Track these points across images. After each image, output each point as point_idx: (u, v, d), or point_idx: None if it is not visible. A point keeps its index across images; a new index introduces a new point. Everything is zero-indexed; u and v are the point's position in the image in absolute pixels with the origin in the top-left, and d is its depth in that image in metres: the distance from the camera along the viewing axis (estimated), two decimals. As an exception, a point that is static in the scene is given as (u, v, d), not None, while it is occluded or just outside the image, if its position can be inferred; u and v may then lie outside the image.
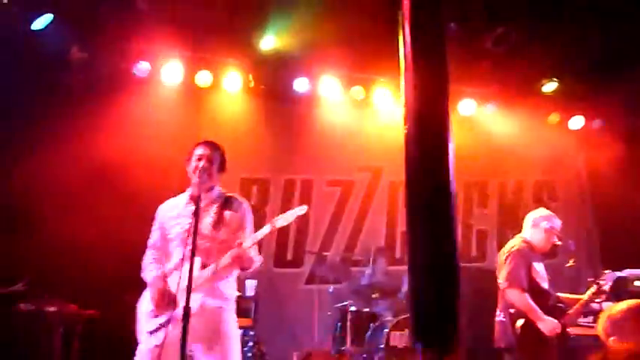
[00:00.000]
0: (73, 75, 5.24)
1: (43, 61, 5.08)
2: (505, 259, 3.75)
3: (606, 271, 3.67)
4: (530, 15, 5.42)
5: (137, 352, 2.92)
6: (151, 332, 2.90)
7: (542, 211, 3.94)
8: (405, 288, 5.48)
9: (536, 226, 3.84)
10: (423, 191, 1.70)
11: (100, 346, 4.93)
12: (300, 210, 2.96)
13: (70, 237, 5.14)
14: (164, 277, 2.99)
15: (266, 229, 2.91)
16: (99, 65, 5.40)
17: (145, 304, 3.02)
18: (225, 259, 2.86)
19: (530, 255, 3.71)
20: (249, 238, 2.92)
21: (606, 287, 3.54)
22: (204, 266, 2.88)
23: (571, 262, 3.68)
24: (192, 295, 2.78)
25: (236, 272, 3.04)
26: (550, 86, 6.55)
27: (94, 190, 5.35)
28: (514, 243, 3.85)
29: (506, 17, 5.65)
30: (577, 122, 7.08)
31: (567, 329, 3.56)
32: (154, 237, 3.17)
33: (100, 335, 4.92)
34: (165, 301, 2.88)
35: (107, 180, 5.38)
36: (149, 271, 3.08)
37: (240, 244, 2.84)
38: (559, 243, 3.76)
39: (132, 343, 3.13)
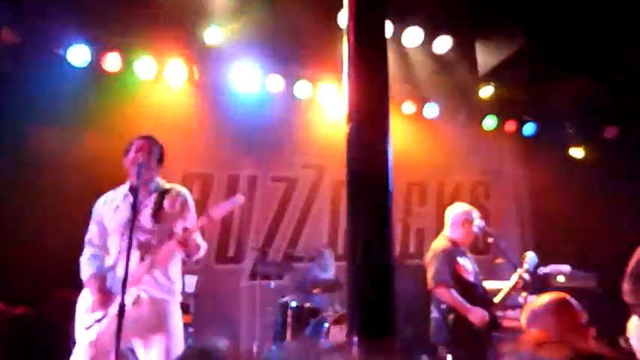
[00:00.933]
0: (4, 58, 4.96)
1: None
2: (429, 260, 3.92)
3: (526, 253, 3.88)
4: (470, 21, 5.67)
5: (74, 350, 2.82)
6: (87, 328, 2.82)
7: (459, 207, 4.12)
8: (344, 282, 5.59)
9: (456, 222, 4.03)
10: (363, 190, 1.75)
11: (30, 345, 4.71)
12: (237, 199, 2.96)
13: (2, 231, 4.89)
14: (101, 275, 2.91)
15: (201, 221, 2.90)
16: (30, 50, 5.14)
17: (83, 301, 2.94)
18: (171, 244, 2.81)
19: (453, 251, 3.89)
20: (194, 223, 2.89)
21: (527, 266, 3.75)
22: (142, 259, 2.83)
23: (501, 260, 3.88)
24: (133, 289, 2.73)
25: (178, 264, 2.99)
26: (486, 91, 6.86)
27: (25, 181, 5.11)
28: (437, 242, 4.03)
29: (446, 23, 5.89)
30: (512, 126, 7.45)
31: (496, 317, 3.76)
32: (92, 232, 3.09)
33: (31, 334, 4.69)
34: (106, 298, 2.81)
35: (39, 170, 5.15)
36: (85, 269, 3.00)
37: (186, 228, 2.80)
38: (490, 240, 3.96)
39: (66, 342, 3.03)
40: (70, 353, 2.94)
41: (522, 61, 6.21)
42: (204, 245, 3.03)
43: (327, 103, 6.67)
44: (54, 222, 5.02)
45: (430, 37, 5.97)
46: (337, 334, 4.99)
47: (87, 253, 3.05)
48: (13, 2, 4.92)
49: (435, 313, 3.80)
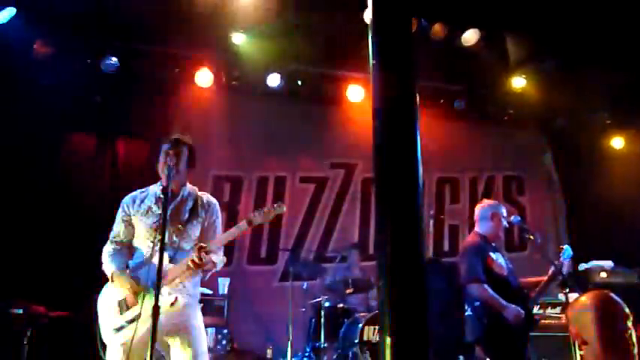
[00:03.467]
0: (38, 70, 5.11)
1: (6, 56, 4.93)
2: (461, 256, 3.84)
3: (563, 246, 3.77)
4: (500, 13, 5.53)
5: (107, 353, 2.86)
6: (118, 329, 2.85)
7: (486, 202, 4.05)
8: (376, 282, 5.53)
9: (484, 217, 3.95)
10: (391, 187, 1.70)
11: (70, 347, 4.83)
12: (279, 208, 2.92)
13: (37, 237, 5.04)
14: (127, 273, 2.92)
15: (242, 226, 2.88)
16: (63, 60, 5.28)
17: (107, 299, 2.95)
18: (183, 266, 2.81)
19: (484, 247, 3.81)
20: (213, 242, 2.88)
21: (562, 259, 3.64)
22: (171, 261, 2.85)
23: (538, 256, 3.76)
24: (169, 290, 2.76)
25: (200, 271, 3.00)
26: (518, 82, 6.68)
27: (63, 188, 5.25)
28: (468, 239, 3.95)
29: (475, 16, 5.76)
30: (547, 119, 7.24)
31: (532, 313, 3.65)
32: (118, 229, 3.07)
33: (71, 336, 4.82)
34: (135, 294, 2.83)
35: (70, 177, 5.28)
36: (109, 265, 2.99)
37: (202, 247, 2.80)
38: (527, 236, 3.85)
39: (101, 345, 3.06)
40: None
41: (554, 53, 6.03)
42: (220, 260, 3.00)
43: (354, 101, 6.63)
44: (92, 227, 5.13)
45: (459, 30, 5.85)
46: (371, 334, 4.95)
47: (110, 248, 3.04)
48: (45, 16, 5.06)
49: (468, 311, 3.71)
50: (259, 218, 2.88)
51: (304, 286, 5.62)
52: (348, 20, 5.47)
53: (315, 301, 5.44)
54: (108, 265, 2.99)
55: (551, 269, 3.66)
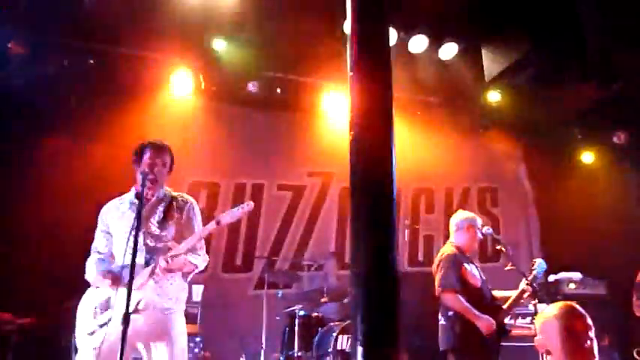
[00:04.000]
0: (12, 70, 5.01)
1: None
2: (437, 266, 3.89)
3: (535, 260, 3.85)
4: (476, 27, 5.65)
5: (77, 356, 2.81)
6: (90, 333, 2.81)
7: (462, 214, 4.12)
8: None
9: (460, 228, 4.01)
10: (366, 197, 1.73)
11: (36, 355, 4.72)
12: (246, 206, 2.92)
13: (6, 241, 4.91)
14: (110, 271, 2.90)
15: (210, 226, 2.87)
16: (39, 62, 5.19)
17: (84, 303, 2.92)
18: (160, 261, 2.79)
19: (459, 257, 3.87)
20: (183, 244, 2.85)
21: (535, 273, 3.72)
22: (147, 264, 2.82)
23: (509, 267, 3.83)
24: (137, 294, 2.72)
25: (182, 276, 2.98)
26: (493, 96, 6.83)
27: (29, 190, 5.14)
28: (444, 249, 4.01)
29: (452, 29, 5.88)
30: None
31: (504, 324, 3.71)
32: (98, 239, 3.08)
33: (37, 344, 4.70)
34: (117, 278, 2.79)
35: (43, 179, 5.18)
36: (91, 270, 2.98)
37: (169, 249, 2.78)
38: (498, 247, 3.93)
39: (69, 352, 3.01)
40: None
41: (528, 67, 6.17)
42: (202, 260, 2.98)
43: (332, 110, 6.67)
44: (61, 232, 5.03)
45: (436, 43, 5.97)
46: (345, 343, 4.95)
47: (93, 258, 3.04)
48: (21, 15, 4.97)
49: (442, 320, 3.76)
50: (227, 217, 2.86)
51: (279, 294, 5.60)
52: (327, 30, 5.53)
53: (289, 309, 5.42)
54: (90, 273, 2.97)
55: (523, 283, 3.74)
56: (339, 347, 4.91)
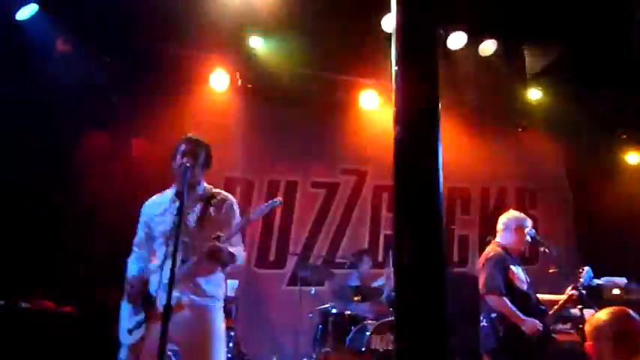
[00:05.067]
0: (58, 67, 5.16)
1: (28, 53, 4.99)
2: (482, 266, 3.79)
3: (583, 268, 3.73)
4: (515, 24, 5.52)
5: (120, 352, 2.87)
6: (130, 330, 2.85)
7: (511, 214, 4.00)
8: (387, 291, 5.51)
9: (507, 228, 3.90)
10: (411, 195, 1.69)
11: (75, 343, 4.85)
12: (276, 201, 2.92)
13: (50, 233, 5.07)
14: (141, 277, 2.94)
15: (242, 222, 2.89)
16: (83, 60, 5.32)
17: (126, 303, 2.97)
18: (198, 255, 2.81)
19: (506, 259, 3.76)
20: (227, 232, 2.86)
21: (582, 281, 3.59)
22: (183, 262, 2.84)
23: (553, 270, 3.72)
24: (174, 293, 2.74)
25: (220, 270, 2.99)
26: (534, 94, 6.65)
27: (73, 184, 5.28)
28: (489, 249, 3.90)
29: (492, 26, 5.75)
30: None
31: (550, 329, 3.60)
32: (139, 235, 3.12)
33: (77, 332, 4.84)
34: (139, 301, 2.83)
35: (86, 174, 5.31)
36: (130, 270, 3.03)
37: (218, 237, 2.79)
38: (542, 249, 3.81)
39: (108, 341, 3.08)
40: (108, 352, 2.97)
41: (571, 64, 6.00)
42: (241, 253, 3.00)
43: (367, 108, 6.62)
44: (103, 226, 5.16)
45: (476, 40, 5.84)
46: (378, 342, 4.91)
47: (132, 255, 3.09)
48: (66, 14, 5.11)
49: (483, 322, 3.67)
50: (257, 213, 2.92)
51: (312, 292, 5.60)
52: (364, 27, 5.49)
53: (322, 307, 5.41)
54: (128, 271, 3.04)
55: (570, 290, 3.60)
56: (372, 347, 4.87)
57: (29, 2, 4.89)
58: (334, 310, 5.26)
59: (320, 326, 5.36)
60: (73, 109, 5.26)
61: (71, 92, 5.15)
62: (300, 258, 5.96)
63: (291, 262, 6.28)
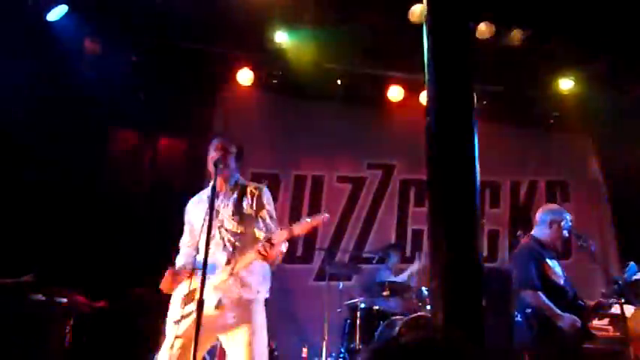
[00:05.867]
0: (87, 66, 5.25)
1: (58, 52, 5.09)
2: (515, 260, 3.70)
3: (628, 262, 3.59)
4: (545, 14, 5.36)
5: (164, 342, 2.93)
6: (177, 322, 2.91)
7: (547, 208, 3.88)
8: (414, 284, 5.46)
9: (542, 222, 3.79)
10: (447, 187, 1.65)
11: (108, 336, 4.96)
12: (322, 216, 2.87)
13: (81, 229, 5.17)
14: (185, 268, 3.01)
15: (284, 235, 2.85)
16: (110, 58, 5.41)
17: (176, 293, 3.04)
18: (251, 255, 2.82)
19: (541, 253, 3.65)
20: (278, 235, 2.84)
21: (626, 275, 3.47)
22: (228, 262, 2.87)
23: (591, 264, 3.61)
24: (217, 292, 2.78)
25: (267, 265, 3.01)
26: (565, 84, 6.46)
27: (102, 180, 5.38)
28: (524, 243, 3.79)
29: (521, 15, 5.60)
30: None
31: (588, 326, 3.49)
32: (184, 233, 3.21)
33: (110, 326, 4.94)
34: (186, 292, 2.89)
35: (116, 170, 5.40)
36: (178, 265, 3.11)
37: (270, 239, 2.80)
38: (579, 243, 3.69)
39: (138, 335, 3.13)
40: (140, 345, 3.02)
41: (603, 53, 5.80)
42: (283, 250, 3.01)
43: (394, 101, 6.55)
44: (133, 221, 5.24)
45: (504, 30, 5.70)
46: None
47: (180, 252, 3.18)
48: (95, 14, 5.19)
49: (518, 317, 3.58)
50: (300, 227, 2.85)
51: (340, 287, 5.58)
52: (390, 20, 5.41)
53: (351, 302, 5.39)
54: (177, 266, 3.10)
55: (614, 286, 3.48)
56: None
57: (60, 3, 4.98)
58: (363, 305, 5.23)
59: (348, 321, 5.35)
60: (102, 108, 5.35)
61: (100, 91, 5.24)
62: (327, 253, 5.94)
63: (318, 258, 6.27)
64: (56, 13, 4.97)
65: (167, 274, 3.00)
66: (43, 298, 4.60)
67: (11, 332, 4.19)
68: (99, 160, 5.51)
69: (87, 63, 5.34)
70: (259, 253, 2.78)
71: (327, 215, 2.90)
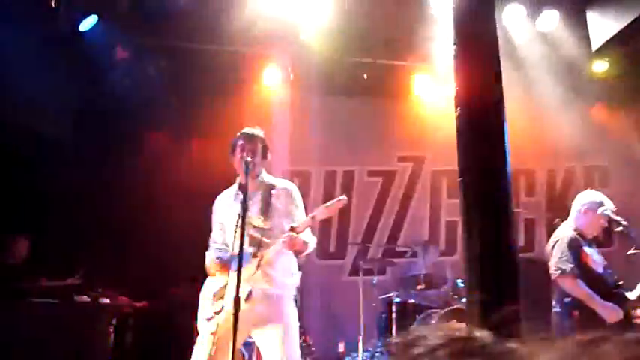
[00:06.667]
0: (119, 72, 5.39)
1: (90, 61, 5.24)
2: (551, 248, 3.60)
3: None
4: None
5: (197, 339, 2.99)
6: (208, 319, 2.96)
7: (589, 195, 3.74)
8: (450, 278, 5.40)
9: (578, 210, 3.67)
10: (478, 177, 1.63)
11: (150, 335, 5.09)
12: (340, 199, 2.90)
13: (119, 231, 5.32)
14: (221, 260, 3.07)
15: (307, 222, 2.89)
16: (140, 64, 5.53)
17: (205, 290, 3.08)
18: (277, 244, 2.86)
19: (579, 241, 3.54)
20: (302, 223, 2.89)
21: None
22: (255, 255, 2.90)
23: (633, 251, 3.47)
24: (246, 285, 2.82)
25: (293, 259, 3.04)
26: (600, 66, 6.25)
27: (137, 183, 5.51)
28: (561, 230, 3.69)
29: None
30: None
31: (631, 315, 3.37)
32: (214, 231, 3.24)
33: (151, 325, 5.08)
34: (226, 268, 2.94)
35: (149, 173, 5.52)
36: (208, 260, 3.15)
37: (292, 228, 2.83)
38: (619, 229, 3.56)
39: (177, 333, 3.19)
40: (179, 343, 3.07)
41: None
42: (312, 240, 3.06)
43: (421, 93, 6.48)
44: (167, 223, 5.35)
45: (534, 12, 5.55)
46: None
47: (211, 248, 3.22)
48: (124, 22, 5.32)
49: (556, 308, 3.48)
50: (322, 212, 2.89)
51: (374, 281, 5.57)
52: (416, 11, 5.35)
53: (385, 296, 5.38)
54: (209, 264, 3.14)
55: None
56: (438, 335, 4.78)
57: (90, 14, 5.12)
58: (398, 299, 5.21)
59: (384, 315, 5.34)
60: (136, 113, 5.48)
61: (132, 97, 5.37)
62: (360, 248, 5.94)
63: (351, 253, 6.27)
64: (87, 24, 5.12)
65: (217, 262, 3.02)
66: (88, 300, 4.76)
67: (58, 333, 4.36)
68: (135, 163, 5.65)
69: (119, 70, 5.47)
70: (284, 242, 2.80)
71: (345, 198, 2.93)
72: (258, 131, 3.18)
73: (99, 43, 5.16)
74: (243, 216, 2.68)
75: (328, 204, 2.93)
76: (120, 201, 5.37)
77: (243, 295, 2.80)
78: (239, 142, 3.10)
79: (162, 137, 5.82)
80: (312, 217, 2.88)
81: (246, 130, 3.18)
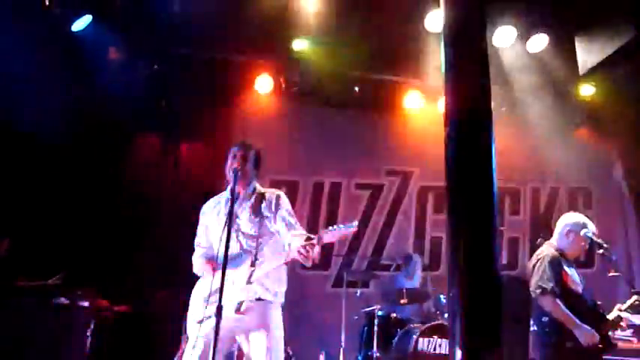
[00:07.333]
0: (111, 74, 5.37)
1: (83, 62, 5.22)
2: (533, 267, 3.64)
3: None
4: (569, 16, 5.31)
5: (188, 342, 2.96)
6: (199, 322, 2.95)
7: (572, 217, 3.80)
8: (432, 293, 5.42)
9: (560, 231, 3.73)
10: (465, 194, 1.65)
11: (129, 340, 5.03)
12: (352, 225, 2.86)
13: (104, 233, 5.27)
14: (210, 259, 3.05)
15: (314, 242, 2.84)
16: (132, 67, 5.52)
17: (196, 293, 3.08)
18: (292, 252, 2.84)
19: (560, 260, 3.59)
20: (326, 234, 2.83)
21: None
22: (252, 264, 2.90)
23: (612, 274, 3.52)
24: (240, 294, 2.82)
25: (283, 267, 3.04)
26: (586, 90, 6.38)
27: (125, 185, 5.47)
28: (544, 249, 3.74)
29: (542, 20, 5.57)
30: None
31: (608, 336, 3.40)
32: (199, 235, 3.24)
33: (131, 330, 5.01)
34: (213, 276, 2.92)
35: (138, 176, 5.49)
36: (196, 262, 3.15)
37: (310, 238, 2.81)
38: (600, 252, 3.61)
39: (158, 339, 3.16)
40: (162, 347, 3.04)
41: (629, 57, 5.71)
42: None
43: (412, 108, 6.55)
44: (154, 227, 5.32)
45: (524, 35, 5.66)
46: (426, 346, 4.83)
47: (197, 251, 3.21)
48: (117, 24, 5.31)
49: (534, 327, 3.51)
50: (329, 236, 2.84)
51: (357, 293, 5.56)
52: (407, 27, 5.43)
53: (368, 309, 5.38)
54: (196, 265, 3.14)
55: (634, 295, 3.41)
56: (419, 350, 4.80)
57: (84, 14, 5.10)
58: (380, 313, 5.21)
59: (366, 328, 5.33)
60: (126, 115, 5.46)
61: (123, 98, 5.35)
62: (344, 260, 5.94)
63: (335, 264, 6.26)
64: (81, 24, 5.10)
65: (209, 263, 3.02)
66: (67, 302, 4.68)
67: (35, 335, 4.28)
68: (122, 165, 5.61)
69: (111, 71, 5.45)
70: (299, 253, 2.78)
71: (356, 223, 2.88)
72: (252, 143, 3.23)
73: (92, 43, 5.14)
74: (229, 224, 2.69)
75: (338, 228, 2.85)
76: (105, 203, 5.33)
77: (233, 306, 2.80)
78: (233, 151, 3.14)
79: (151, 140, 5.80)
80: (320, 239, 2.80)
81: (242, 140, 3.26)
